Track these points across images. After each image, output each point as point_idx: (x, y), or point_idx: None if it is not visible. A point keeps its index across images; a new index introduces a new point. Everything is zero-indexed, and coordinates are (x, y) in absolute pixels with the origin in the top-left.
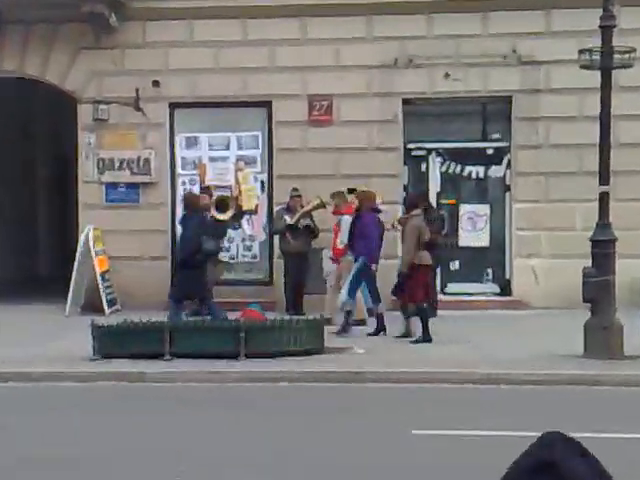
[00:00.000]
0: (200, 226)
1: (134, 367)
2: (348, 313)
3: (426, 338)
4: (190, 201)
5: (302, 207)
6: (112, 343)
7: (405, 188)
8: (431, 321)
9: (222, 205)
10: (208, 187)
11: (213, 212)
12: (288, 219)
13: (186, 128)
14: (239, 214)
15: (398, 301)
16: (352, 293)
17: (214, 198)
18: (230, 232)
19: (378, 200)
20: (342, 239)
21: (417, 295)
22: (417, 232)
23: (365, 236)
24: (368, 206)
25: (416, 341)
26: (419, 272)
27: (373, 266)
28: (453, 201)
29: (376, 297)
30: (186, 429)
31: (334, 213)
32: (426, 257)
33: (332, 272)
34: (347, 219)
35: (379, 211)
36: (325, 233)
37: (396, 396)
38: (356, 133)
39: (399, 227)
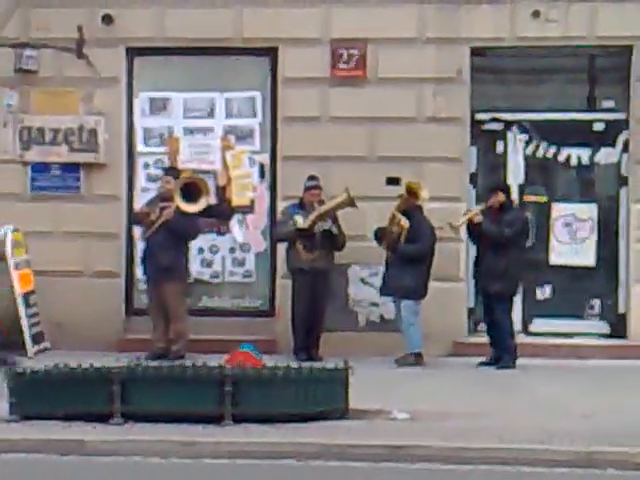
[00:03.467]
0: None
1: (69, 433)
2: None
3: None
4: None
5: (321, 204)
6: (37, 398)
7: (472, 178)
8: (507, 374)
9: (191, 191)
10: (175, 168)
11: (178, 201)
12: (300, 221)
13: (151, 85)
14: (228, 211)
15: None
16: None
17: (179, 181)
18: (210, 237)
19: (425, 195)
20: None
21: None
22: None
23: None
24: None
25: None
26: None
27: None
28: (543, 198)
29: None
30: None
31: None
32: None
33: None
34: None
35: None
36: (355, 242)
37: None
38: (401, 96)
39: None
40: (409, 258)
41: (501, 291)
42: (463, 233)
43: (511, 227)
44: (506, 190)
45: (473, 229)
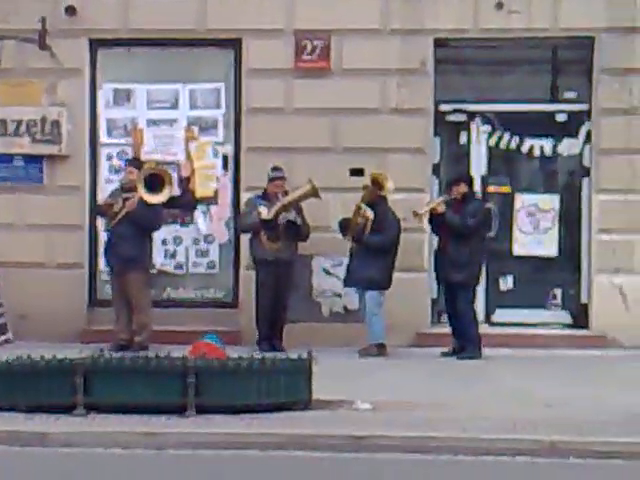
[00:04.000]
0: None
1: (31, 425)
2: None
3: None
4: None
5: (285, 195)
6: None
7: (435, 168)
8: (470, 364)
9: (154, 182)
10: (138, 159)
11: (141, 192)
12: (264, 212)
13: (115, 76)
14: (191, 202)
15: None
16: None
17: (143, 172)
18: (174, 228)
19: (391, 186)
20: None
21: None
22: None
23: None
24: None
25: None
26: None
27: None
28: (506, 189)
29: None
30: None
31: None
32: None
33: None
34: None
35: None
36: (319, 233)
37: (419, 474)
38: (364, 88)
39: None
40: (374, 249)
41: (464, 281)
42: (426, 223)
43: (473, 218)
44: (469, 181)
45: (436, 219)
